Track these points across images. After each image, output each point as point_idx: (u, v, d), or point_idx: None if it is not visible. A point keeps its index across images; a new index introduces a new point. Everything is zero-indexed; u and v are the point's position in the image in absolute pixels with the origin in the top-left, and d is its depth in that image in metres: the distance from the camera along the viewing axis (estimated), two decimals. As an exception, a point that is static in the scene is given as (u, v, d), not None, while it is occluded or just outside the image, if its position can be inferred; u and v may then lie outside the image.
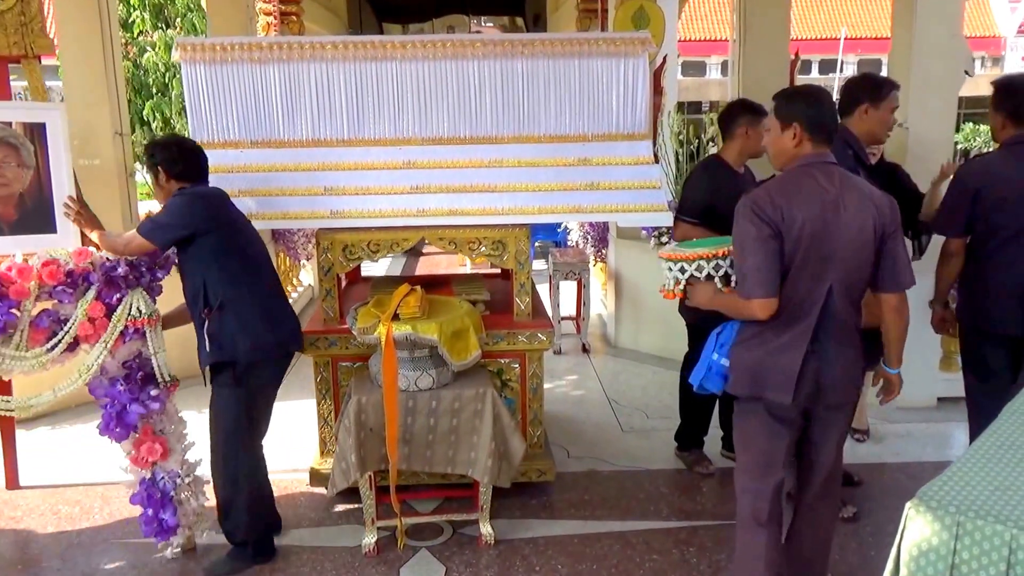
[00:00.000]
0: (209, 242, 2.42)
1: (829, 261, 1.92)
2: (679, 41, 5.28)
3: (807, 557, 2.20)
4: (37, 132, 2.55)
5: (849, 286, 1.96)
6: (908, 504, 1.38)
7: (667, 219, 3.02)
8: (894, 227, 1.98)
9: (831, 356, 1.98)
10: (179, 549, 2.66)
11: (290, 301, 2.85)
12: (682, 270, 2.13)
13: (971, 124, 17.18)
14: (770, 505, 2.07)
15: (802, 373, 1.95)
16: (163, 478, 2.59)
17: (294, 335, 2.66)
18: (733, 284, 2.08)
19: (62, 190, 2.58)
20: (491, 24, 12.88)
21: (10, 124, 2.51)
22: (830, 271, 1.93)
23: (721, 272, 2.10)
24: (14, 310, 2.33)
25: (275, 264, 5.42)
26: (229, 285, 2.44)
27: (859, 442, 3.51)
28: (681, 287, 2.15)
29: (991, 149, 2.87)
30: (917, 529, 1.36)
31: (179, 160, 2.49)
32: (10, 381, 2.81)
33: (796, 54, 5.08)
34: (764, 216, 1.90)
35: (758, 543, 2.08)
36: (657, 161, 3.23)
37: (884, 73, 3.81)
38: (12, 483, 3.16)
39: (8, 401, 2.46)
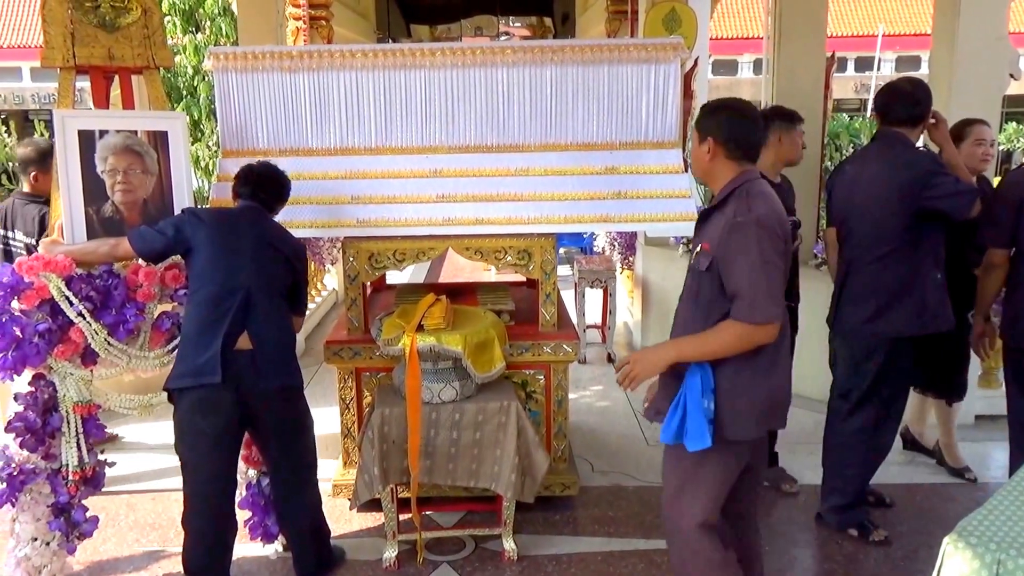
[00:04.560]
0: (190, 260, 2.35)
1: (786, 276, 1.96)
2: (710, 39, 5.17)
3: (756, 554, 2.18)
4: (160, 140, 2.64)
5: None
6: (946, 539, 1.33)
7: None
8: None
9: None
10: (281, 548, 2.73)
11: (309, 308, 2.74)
12: None
13: (1014, 124, 16.63)
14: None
15: None
16: (268, 484, 2.61)
17: (210, 363, 2.23)
18: None
19: (182, 197, 2.67)
20: (519, 24, 12.86)
21: (136, 132, 2.61)
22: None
23: None
24: (140, 312, 2.45)
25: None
26: (188, 307, 2.35)
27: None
28: None
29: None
30: (955, 566, 1.32)
31: (239, 179, 2.50)
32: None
33: (833, 53, 4.94)
34: (780, 232, 1.85)
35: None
36: (687, 169, 3.16)
37: (924, 71, 3.69)
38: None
39: (132, 399, 2.51)
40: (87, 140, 2.54)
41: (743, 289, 1.80)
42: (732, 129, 1.92)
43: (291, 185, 2.59)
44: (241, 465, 2.58)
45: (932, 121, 2.73)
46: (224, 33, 7.37)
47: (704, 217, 1.97)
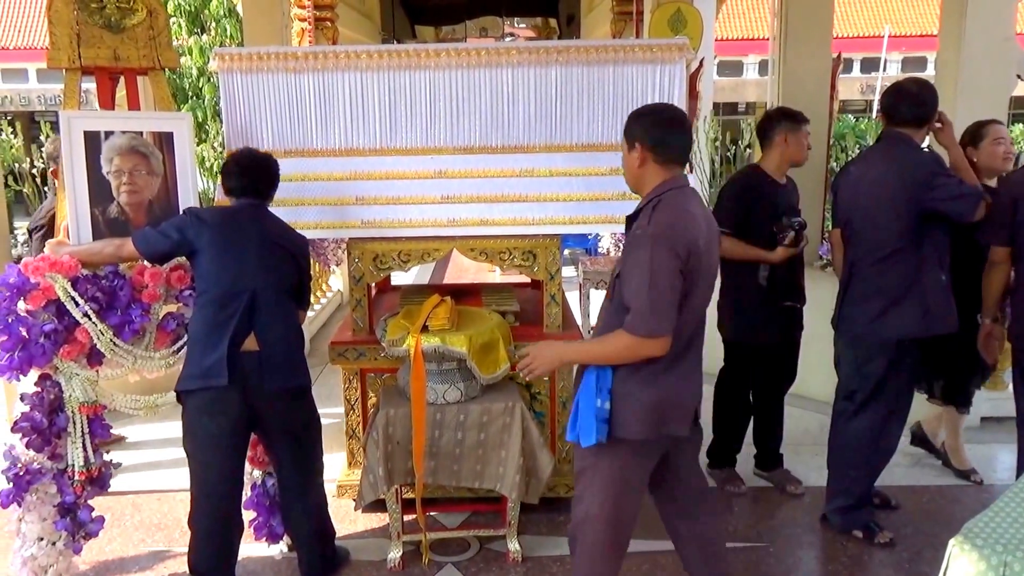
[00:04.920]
0: (195, 262, 2.35)
1: (706, 287, 1.93)
2: (715, 40, 5.15)
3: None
4: (165, 141, 2.65)
5: (705, 310, 1.99)
6: (952, 541, 1.32)
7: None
8: None
9: (701, 382, 2.03)
10: (286, 549, 2.73)
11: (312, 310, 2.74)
12: None
13: (1020, 126, 16.54)
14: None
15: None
16: (273, 485, 2.62)
17: (216, 365, 2.23)
18: None
19: (187, 198, 2.68)
20: (524, 25, 12.88)
21: (141, 133, 2.62)
22: (705, 297, 1.94)
23: None
24: (146, 313, 2.47)
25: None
26: (195, 309, 2.36)
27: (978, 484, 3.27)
28: None
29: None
30: (961, 568, 1.32)
31: (228, 175, 2.44)
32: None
33: (839, 54, 4.93)
34: (679, 248, 1.81)
35: None
36: (692, 170, 3.16)
37: (931, 73, 3.68)
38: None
39: (138, 400, 2.52)
40: (93, 141, 2.55)
41: (632, 302, 1.83)
42: (659, 133, 1.91)
43: (279, 166, 2.53)
44: (246, 465, 2.58)
45: (938, 125, 2.72)
46: (229, 34, 7.40)
47: (628, 224, 1.99)
